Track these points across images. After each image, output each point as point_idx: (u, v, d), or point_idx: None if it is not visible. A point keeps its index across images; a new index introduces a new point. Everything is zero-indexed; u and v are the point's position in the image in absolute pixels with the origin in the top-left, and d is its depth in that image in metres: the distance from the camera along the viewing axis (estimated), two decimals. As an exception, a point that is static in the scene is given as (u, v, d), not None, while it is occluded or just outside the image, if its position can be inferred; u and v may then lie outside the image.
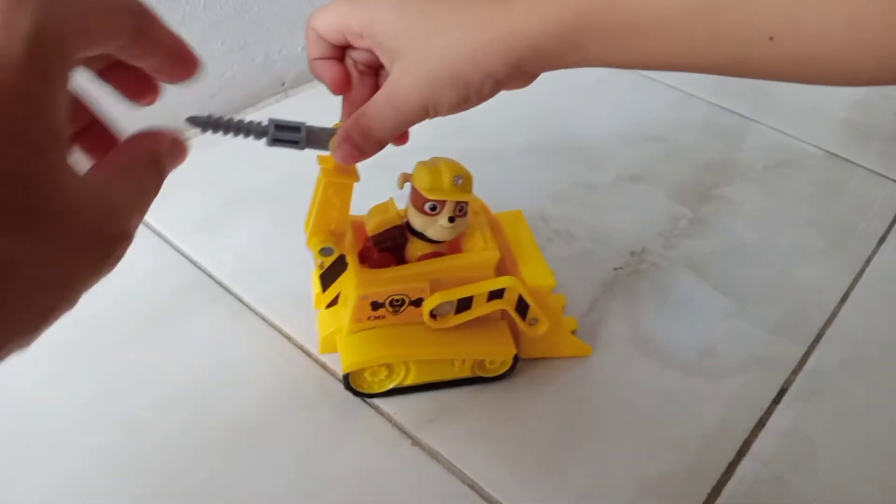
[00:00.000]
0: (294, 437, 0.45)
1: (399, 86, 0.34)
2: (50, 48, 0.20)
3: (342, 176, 0.40)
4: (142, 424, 0.45)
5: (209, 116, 0.36)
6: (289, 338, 0.51)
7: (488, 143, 0.70)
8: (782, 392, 0.50)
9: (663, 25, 0.30)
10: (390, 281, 0.43)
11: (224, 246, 0.57)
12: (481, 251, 0.44)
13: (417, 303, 0.44)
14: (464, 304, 0.45)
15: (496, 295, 0.45)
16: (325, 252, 0.42)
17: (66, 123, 0.21)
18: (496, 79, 0.33)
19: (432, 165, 0.42)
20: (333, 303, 0.46)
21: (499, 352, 0.47)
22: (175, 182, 0.62)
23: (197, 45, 0.69)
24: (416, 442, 0.45)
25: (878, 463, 0.46)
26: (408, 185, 0.43)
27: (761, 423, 0.48)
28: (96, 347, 0.49)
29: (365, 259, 0.44)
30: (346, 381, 0.46)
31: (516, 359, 0.48)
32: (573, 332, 0.50)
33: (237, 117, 0.37)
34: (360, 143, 0.36)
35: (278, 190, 0.63)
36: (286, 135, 0.37)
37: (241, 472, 0.43)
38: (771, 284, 0.58)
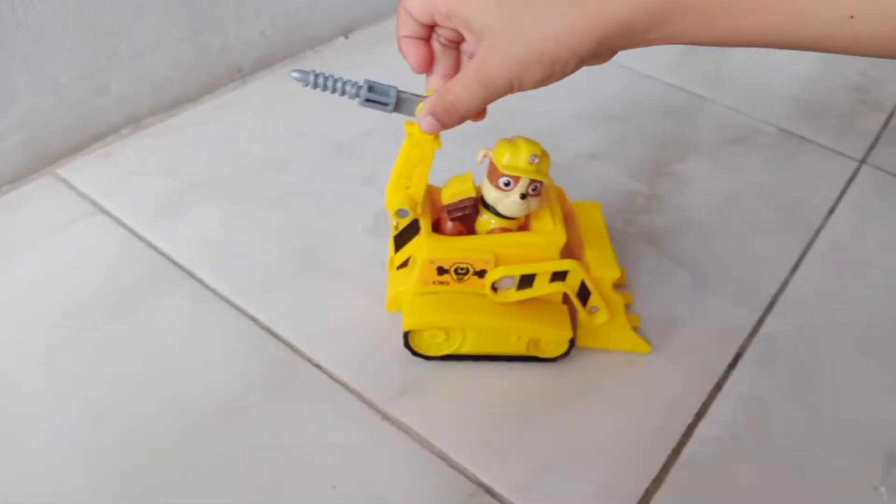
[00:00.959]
0: (265, 417, 0.45)
1: (487, 63, 0.36)
2: None
3: (424, 142, 0.42)
4: (109, 411, 0.45)
5: (311, 71, 0.40)
6: (255, 320, 0.51)
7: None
8: (738, 357, 0.52)
9: (748, 5, 0.31)
10: (457, 249, 0.45)
11: (185, 231, 0.57)
12: (548, 232, 0.45)
13: (481, 274, 0.46)
14: (526, 282, 0.46)
15: (559, 277, 0.45)
16: (401, 213, 0.45)
17: None
18: (581, 56, 0.34)
19: (512, 142, 0.43)
20: (404, 265, 0.48)
21: (555, 333, 0.47)
22: (134, 169, 0.62)
23: (151, 34, 0.69)
24: (385, 416, 0.46)
25: (827, 421, 0.48)
26: (487, 160, 0.44)
27: (718, 387, 0.50)
28: (60, 336, 0.49)
29: (437, 226, 0.46)
30: (406, 340, 0.48)
31: (572, 343, 0.48)
32: (636, 329, 0.51)
33: (336, 75, 0.40)
34: (444, 117, 0.39)
35: (238, 175, 0.63)
36: (378, 97, 0.40)
37: (213, 453, 0.43)
38: (726, 256, 0.60)
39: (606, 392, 0.49)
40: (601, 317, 0.48)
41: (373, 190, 0.63)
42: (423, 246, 0.45)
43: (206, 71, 0.71)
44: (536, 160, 0.42)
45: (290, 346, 0.50)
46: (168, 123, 0.68)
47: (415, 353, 0.49)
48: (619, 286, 0.52)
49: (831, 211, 0.66)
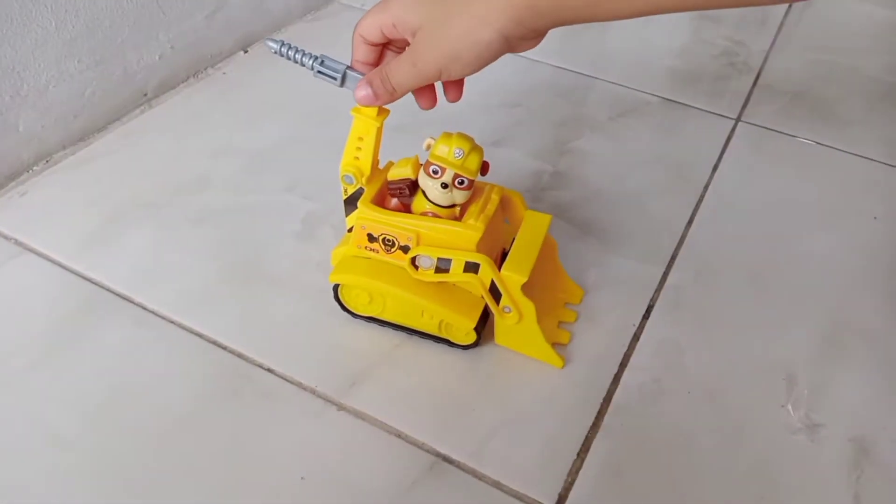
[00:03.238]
0: (224, 424, 0.48)
1: (418, 47, 0.41)
2: None
3: (367, 118, 0.47)
4: (71, 441, 0.46)
5: (282, 41, 0.47)
6: (199, 335, 0.53)
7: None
8: (650, 309, 0.57)
9: None
10: (384, 220, 0.49)
11: (116, 259, 0.58)
12: (464, 225, 0.48)
13: (405, 249, 0.49)
14: (443, 267, 0.49)
15: (472, 268, 0.48)
16: (347, 179, 0.50)
17: None
18: (504, 35, 0.39)
19: (449, 135, 0.47)
20: (351, 230, 0.52)
21: (458, 319, 0.50)
22: (53, 204, 0.63)
23: (53, 68, 0.70)
24: (341, 407, 0.49)
25: (734, 354, 0.55)
26: None
27: (636, 338, 0.55)
28: (10, 374, 0.50)
29: (379, 200, 0.50)
30: (335, 293, 0.53)
31: (478, 334, 0.51)
32: (559, 344, 0.54)
33: (300, 47, 0.47)
34: (377, 88, 0.44)
35: (159, 198, 0.64)
36: (328, 70, 0.46)
37: (180, 464, 0.45)
38: (627, 220, 0.66)
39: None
40: (512, 317, 0.50)
41: (296, 196, 0.65)
42: (358, 211, 0.49)
43: (111, 99, 0.71)
44: (460, 154, 0.46)
45: (240, 355, 0.52)
46: (80, 155, 0.68)
47: (343, 308, 0.54)
48: (571, 305, 0.57)
49: (715, 168, 0.73)
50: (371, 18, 0.43)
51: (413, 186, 0.49)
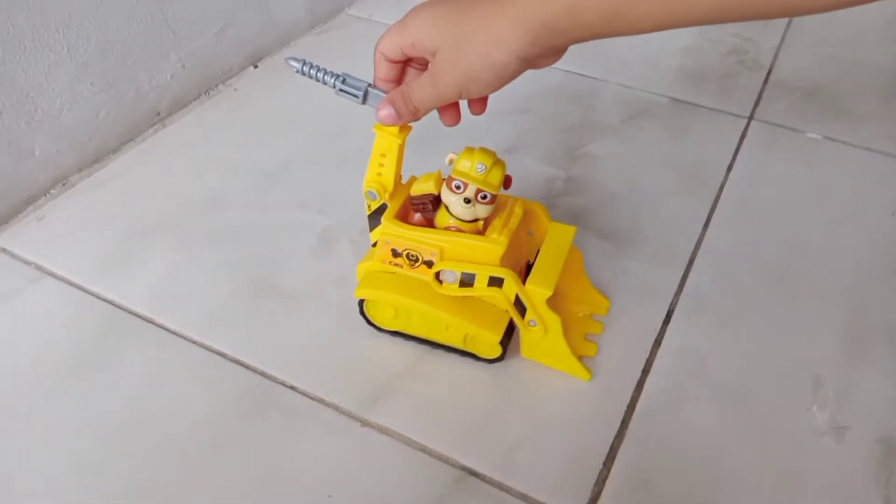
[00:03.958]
0: (251, 444, 0.48)
1: (437, 68, 0.42)
2: None
3: (389, 136, 0.48)
4: (97, 465, 0.46)
5: (303, 60, 0.47)
6: (223, 355, 0.53)
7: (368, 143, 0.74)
8: (670, 313, 0.57)
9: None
10: (408, 236, 0.49)
11: (135, 280, 0.59)
12: (487, 240, 0.48)
13: (429, 264, 0.49)
14: (467, 281, 0.49)
15: (496, 282, 0.48)
16: (370, 195, 0.50)
17: None
18: (521, 56, 0.39)
19: (471, 150, 0.47)
20: (375, 245, 0.52)
21: (483, 333, 0.50)
22: (71, 227, 0.63)
23: (66, 92, 0.70)
24: (365, 423, 0.49)
25: (757, 357, 0.54)
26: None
27: (657, 344, 0.55)
28: (35, 398, 0.50)
29: (403, 215, 0.50)
30: (361, 308, 0.53)
31: (503, 348, 0.51)
32: (586, 357, 0.53)
33: (322, 65, 0.47)
34: (400, 108, 0.44)
35: (175, 218, 0.64)
36: (350, 88, 0.46)
37: (208, 484, 0.46)
38: (643, 223, 0.65)
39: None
40: (537, 331, 0.50)
41: (310, 212, 0.65)
42: (381, 227, 0.49)
43: (124, 120, 0.72)
44: (482, 169, 0.46)
45: (262, 374, 0.52)
46: (95, 177, 0.69)
47: (368, 322, 0.54)
48: (598, 316, 0.56)
49: (730, 168, 0.72)
50: (391, 38, 0.44)
51: (436, 201, 0.49)
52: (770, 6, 0.35)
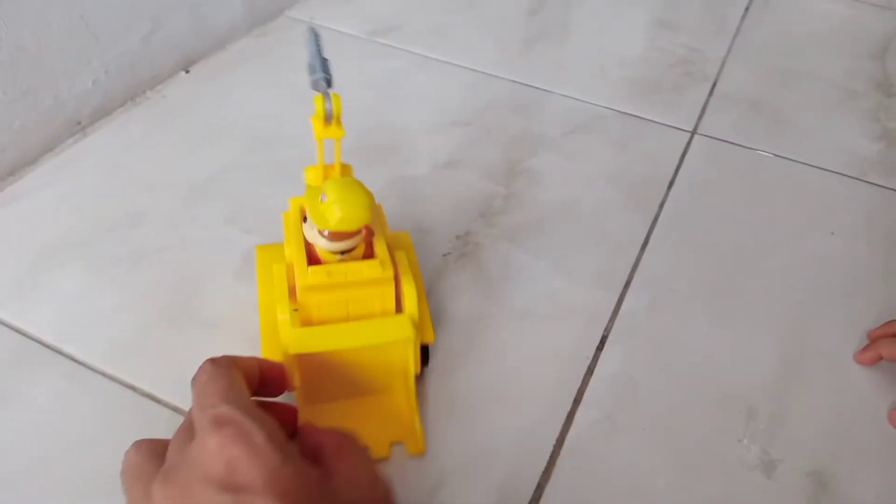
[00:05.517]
0: (156, 486, 0.45)
1: None
2: None
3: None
4: (-8, 509, 0.43)
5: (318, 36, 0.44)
6: (133, 387, 0.50)
7: (305, 152, 0.71)
8: (604, 339, 0.56)
9: None
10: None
11: (44, 306, 0.55)
12: None
13: None
14: None
15: None
16: None
17: None
18: None
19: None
20: None
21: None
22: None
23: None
24: (279, 462, 0.47)
25: (690, 385, 0.53)
26: None
27: (590, 372, 0.53)
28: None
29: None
30: None
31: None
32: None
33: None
34: None
35: (91, 237, 0.61)
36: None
37: (108, 532, 0.43)
38: (581, 242, 0.64)
39: (485, 397, 0.51)
40: None
41: (236, 230, 0.62)
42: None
43: (42, 130, 0.68)
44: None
45: (175, 409, 0.49)
46: (8, 192, 0.65)
47: None
48: None
49: (671, 184, 0.71)
50: None
51: None
52: None
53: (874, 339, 0.56)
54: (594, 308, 0.58)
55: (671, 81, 0.87)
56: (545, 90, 0.83)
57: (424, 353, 0.50)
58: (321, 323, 0.46)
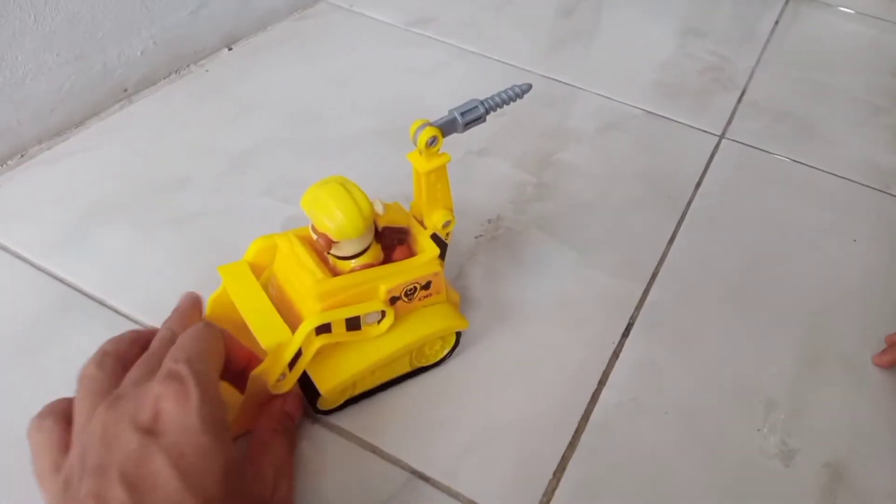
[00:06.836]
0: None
1: None
2: None
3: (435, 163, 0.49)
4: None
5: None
6: (174, 341, 0.52)
7: (342, 131, 0.73)
8: (629, 327, 0.57)
9: None
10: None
11: (91, 260, 0.57)
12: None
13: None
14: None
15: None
16: (446, 225, 0.51)
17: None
18: None
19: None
20: None
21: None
22: (27, 201, 0.61)
23: (31, 61, 0.68)
24: (315, 420, 0.48)
25: (712, 374, 0.55)
26: None
27: (615, 356, 0.55)
28: (-27, 378, 0.48)
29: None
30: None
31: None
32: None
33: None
34: None
35: (136, 198, 0.63)
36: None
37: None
38: (609, 234, 0.65)
39: (512, 373, 0.52)
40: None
41: (273, 200, 0.64)
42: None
43: (90, 94, 0.70)
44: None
45: (214, 363, 0.51)
46: (56, 151, 0.67)
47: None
48: None
49: (698, 185, 0.73)
50: None
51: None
52: None
53: (892, 343, 0.57)
54: (621, 297, 0.60)
55: (700, 87, 0.89)
56: (577, 87, 0.85)
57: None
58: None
